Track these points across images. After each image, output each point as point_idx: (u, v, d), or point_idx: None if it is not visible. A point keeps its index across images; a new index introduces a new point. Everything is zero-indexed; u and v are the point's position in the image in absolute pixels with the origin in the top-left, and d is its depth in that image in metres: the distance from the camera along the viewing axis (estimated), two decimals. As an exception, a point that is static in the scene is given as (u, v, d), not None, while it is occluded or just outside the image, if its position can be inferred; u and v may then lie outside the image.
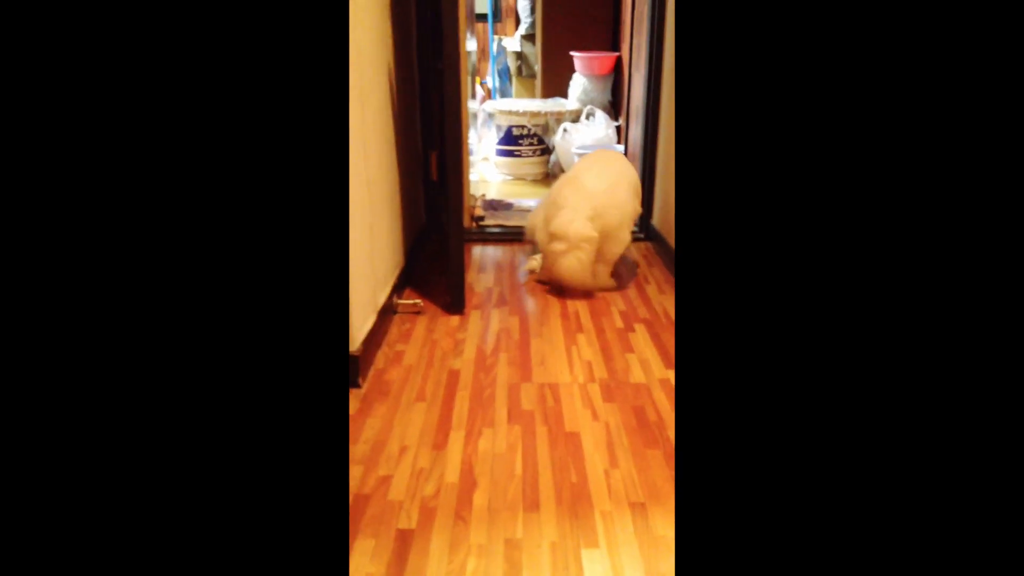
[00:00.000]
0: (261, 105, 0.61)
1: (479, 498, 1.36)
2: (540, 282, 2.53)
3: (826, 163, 0.62)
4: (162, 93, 0.59)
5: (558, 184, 2.45)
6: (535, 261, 2.57)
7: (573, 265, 2.33)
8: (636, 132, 3.44)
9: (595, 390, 1.79)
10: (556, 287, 2.45)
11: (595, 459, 1.49)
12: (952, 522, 0.58)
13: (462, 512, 1.32)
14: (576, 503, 1.35)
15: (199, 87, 0.59)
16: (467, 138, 3.00)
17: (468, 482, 1.41)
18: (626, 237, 2.39)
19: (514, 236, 3.14)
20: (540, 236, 2.42)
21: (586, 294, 2.42)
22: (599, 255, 2.37)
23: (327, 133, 0.64)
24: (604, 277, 2.44)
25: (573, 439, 1.56)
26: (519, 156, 4.17)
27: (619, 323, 2.20)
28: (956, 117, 0.59)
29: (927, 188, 0.60)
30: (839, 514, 0.61)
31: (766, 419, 0.63)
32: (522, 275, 2.58)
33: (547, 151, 4.24)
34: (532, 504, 1.34)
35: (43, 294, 0.57)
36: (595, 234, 2.29)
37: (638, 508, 1.33)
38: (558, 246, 2.32)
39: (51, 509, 0.57)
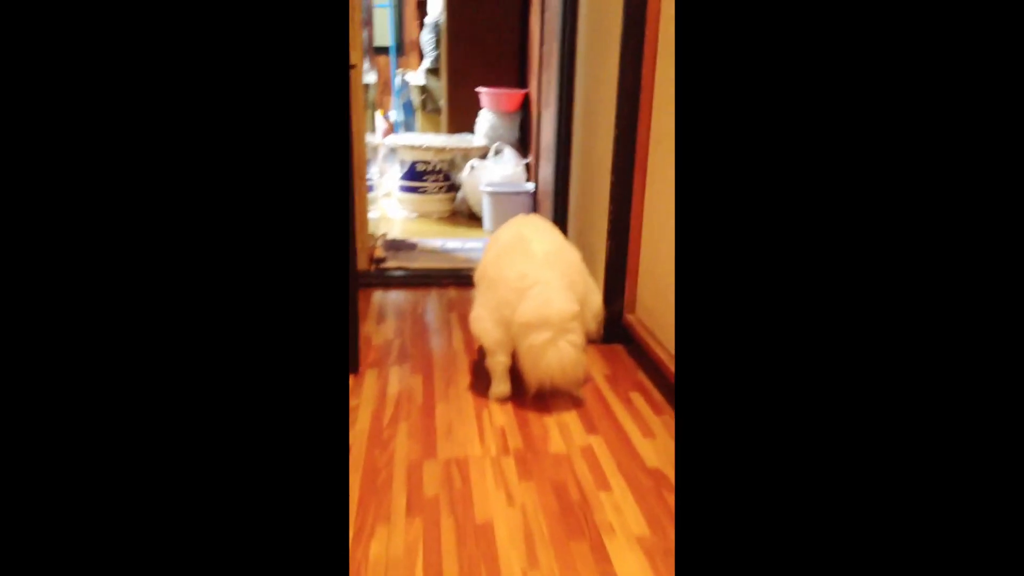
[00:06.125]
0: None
1: (368, 626, 1.08)
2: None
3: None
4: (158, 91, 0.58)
5: (500, 267, 1.84)
6: (502, 385, 1.89)
7: (569, 354, 1.76)
8: (547, 170, 3.30)
9: (510, 465, 1.55)
10: (544, 391, 1.85)
11: (511, 558, 1.25)
12: (951, 543, 0.52)
13: (345, 649, 1.04)
14: (490, 625, 1.09)
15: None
16: (364, 172, 2.74)
17: (355, 602, 1.13)
18: (597, 300, 1.93)
19: (420, 279, 2.88)
20: (515, 330, 1.78)
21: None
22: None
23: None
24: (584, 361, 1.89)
25: (485, 533, 1.32)
26: (424, 192, 3.94)
27: (534, 380, 1.98)
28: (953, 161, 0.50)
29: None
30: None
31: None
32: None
33: (453, 188, 4.03)
34: (435, 630, 1.08)
35: (32, 277, 0.55)
36: (578, 307, 1.79)
37: (565, 626, 1.10)
38: (540, 336, 1.74)
39: (47, 506, 0.55)
